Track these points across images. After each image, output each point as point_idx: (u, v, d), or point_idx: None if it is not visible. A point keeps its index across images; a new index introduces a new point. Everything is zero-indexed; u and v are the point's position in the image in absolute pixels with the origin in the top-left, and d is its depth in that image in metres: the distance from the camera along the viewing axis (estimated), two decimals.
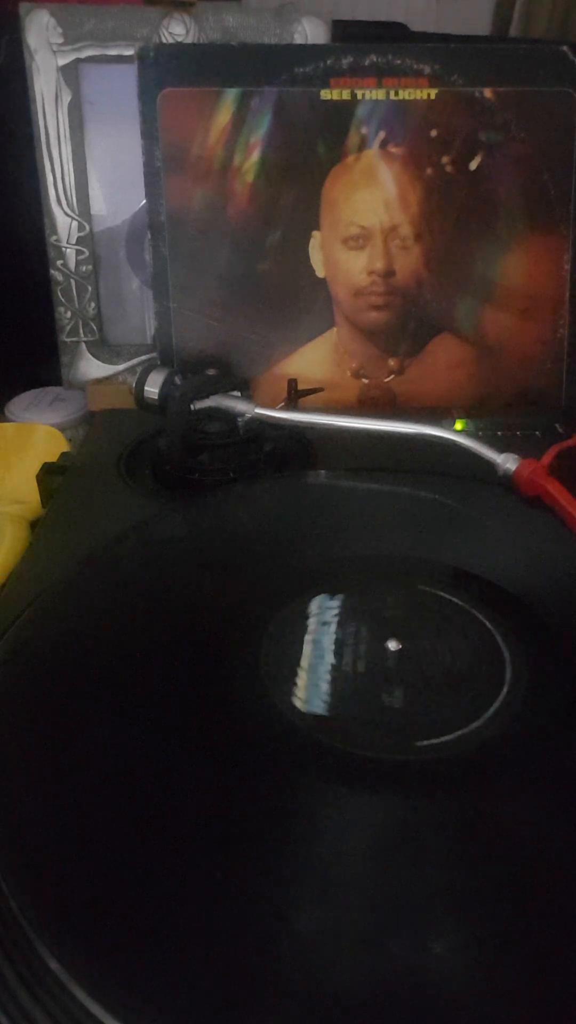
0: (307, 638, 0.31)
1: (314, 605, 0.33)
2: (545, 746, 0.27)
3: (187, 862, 0.23)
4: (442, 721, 0.28)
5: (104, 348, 0.59)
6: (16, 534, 0.43)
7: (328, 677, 0.29)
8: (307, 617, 0.32)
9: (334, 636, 0.31)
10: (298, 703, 0.28)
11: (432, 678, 0.29)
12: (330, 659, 0.30)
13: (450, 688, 0.29)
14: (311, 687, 0.29)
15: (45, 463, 0.46)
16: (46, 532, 0.41)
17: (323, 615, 0.33)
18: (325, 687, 0.29)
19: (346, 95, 0.52)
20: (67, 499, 0.44)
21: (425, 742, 0.27)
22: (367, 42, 0.52)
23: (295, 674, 0.30)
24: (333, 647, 0.31)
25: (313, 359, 0.56)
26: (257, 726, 0.27)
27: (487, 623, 0.32)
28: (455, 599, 0.33)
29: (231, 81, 0.52)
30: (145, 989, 0.20)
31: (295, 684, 0.29)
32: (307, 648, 0.31)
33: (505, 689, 0.29)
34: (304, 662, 0.30)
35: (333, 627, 0.32)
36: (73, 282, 0.57)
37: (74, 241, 0.57)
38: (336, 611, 0.33)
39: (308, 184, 0.54)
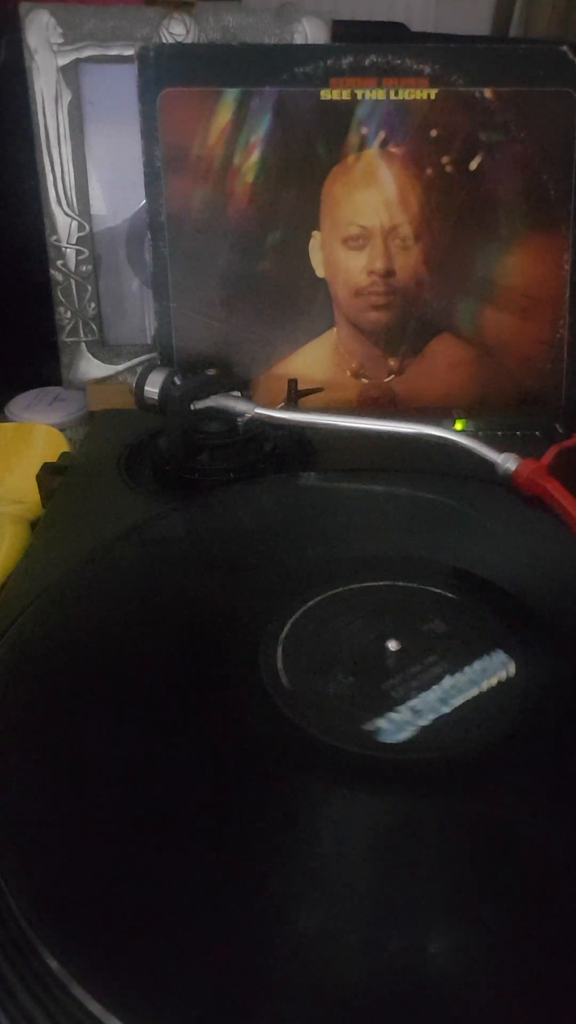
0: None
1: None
2: (545, 746, 0.27)
3: (187, 862, 0.23)
4: (442, 721, 0.28)
5: (104, 348, 0.59)
6: (16, 534, 0.43)
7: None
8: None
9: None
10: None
11: (432, 678, 0.29)
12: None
13: (450, 688, 0.29)
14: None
15: (45, 463, 0.46)
16: (46, 532, 0.41)
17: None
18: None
19: (346, 95, 0.52)
20: (67, 499, 0.44)
21: (425, 742, 0.27)
22: (367, 42, 0.52)
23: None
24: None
25: (313, 359, 0.56)
26: (257, 726, 0.27)
27: (487, 623, 0.32)
28: (455, 599, 0.33)
29: (231, 81, 0.52)
30: (145, 989, 0.20)
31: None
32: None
33: (504, 689, 0.29)
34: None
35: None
36: (73, 282, 0.57)
37: (74, 241, 0.57)
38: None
39: (308, 184, 0.54)
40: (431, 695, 0.29)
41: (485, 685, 0.29)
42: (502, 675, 0.30)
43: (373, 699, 0.29)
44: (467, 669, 0.30)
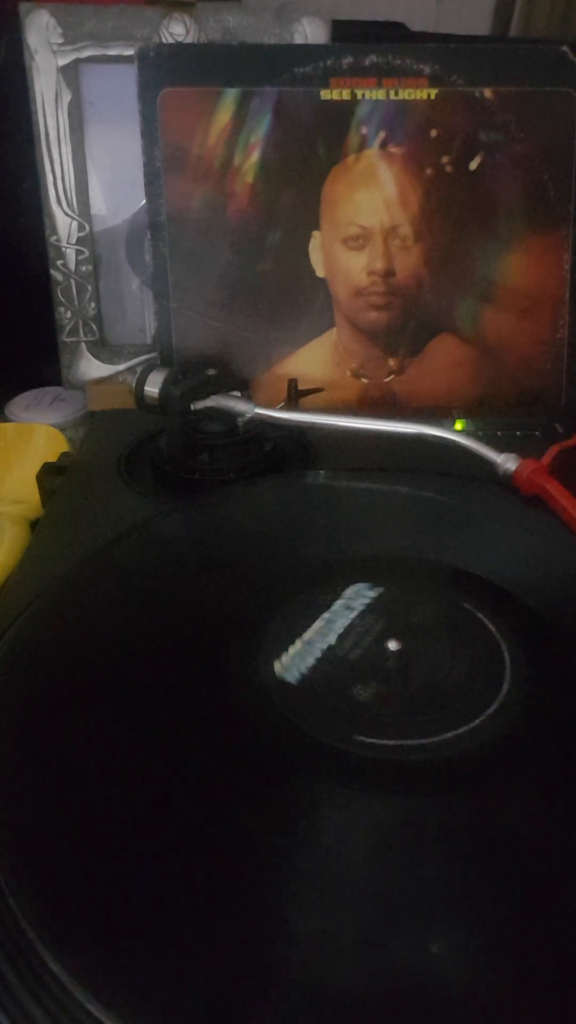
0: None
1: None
2: (545, 746, 0.27)
3: (187, 862, 0.23)
4: (442, 721, 0.28)
5: (104, 348, 0.59)
6: (16, 534, 0.43)
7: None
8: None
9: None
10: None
11: (432, 678, 0.29)
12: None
13: (450, 688, 0.29)
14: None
15: (45, 463, 0.46)
16: (46, 532, 0.41)
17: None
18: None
19: (346, 95, 0.52)
20: (67, 499, 0.44)
21: (425, 742, 0.27)
22: (367, 42, 0.52)
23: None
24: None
25: (313, 359, 0.56)
26: (257, 726, 0.27)
27: (487, 623, 0.32)
28: (455, 599, 0.33)
29: (231, 81, 0.52)
30: (145, 989, 0.20)
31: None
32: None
33: (505, 689, 0.29)
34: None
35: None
36: (73, 282, 0.57)
37: (74, 241, 0.57)
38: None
39: (308, 184, 0.54)
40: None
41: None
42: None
43: (373, 699, 0.29)
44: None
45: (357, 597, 0.34)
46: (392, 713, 0.28)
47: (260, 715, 0.28)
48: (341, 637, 0.31)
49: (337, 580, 0.34)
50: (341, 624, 0.32)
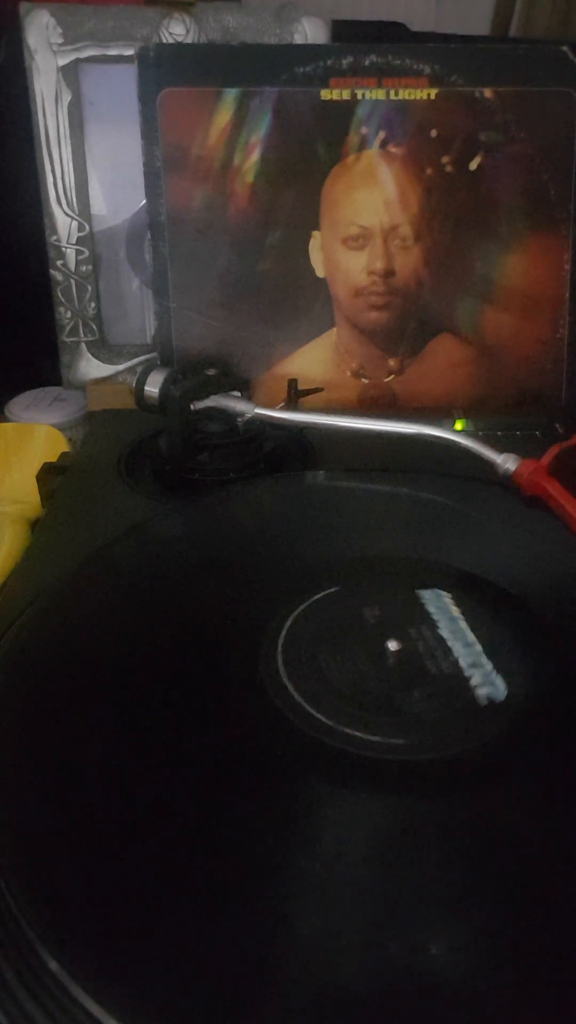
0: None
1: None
2: (545, 746, 0.27)
3: (187, 862, 0.23)
4: (442, 721, 0.28)
5: (104, 348, 0.59)
6: (16, 534, 0.43)
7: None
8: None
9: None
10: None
11: (432, 678, 0.29)
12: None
13: (450, 688, 0.29)
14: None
15: (45, 463, 0.46)
16: (46, 532, 0.41)
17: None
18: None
19: (346, 95, 0.52)
20: (67, 499, 0.44)
21: (425, 742, 0.27)
22: (367, 42, 0.52)
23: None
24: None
25: (313, 359, 0.56)
26: (257, 726, 0.27)
27: (487, 623, 0.32)
28: (455, 599, 0.33)
29: (231, 81, 0.52)
30: (145, 989, 0.20)
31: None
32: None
33: (505, 689, 0.29)
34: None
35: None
36: (73, 282, 0.57)
37: (74, 241, 0.57)
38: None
39: (308, 184, 0.54)
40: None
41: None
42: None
43: (373, 699, 0.29)
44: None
45: (357, 597, 0.34)
46: (392, 713, 0.28)
47: (260, 715, 0.28)
48: (342, 637, 0.31)
49: (337, 580, 0.34)
50: (339, 624, 0.32)
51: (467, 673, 0.29)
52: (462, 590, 0.34)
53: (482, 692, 0.29)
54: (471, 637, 0.31)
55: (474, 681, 0.29)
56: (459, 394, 0.56)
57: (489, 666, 0.30)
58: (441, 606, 0.33)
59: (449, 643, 0.31)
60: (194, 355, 0.55)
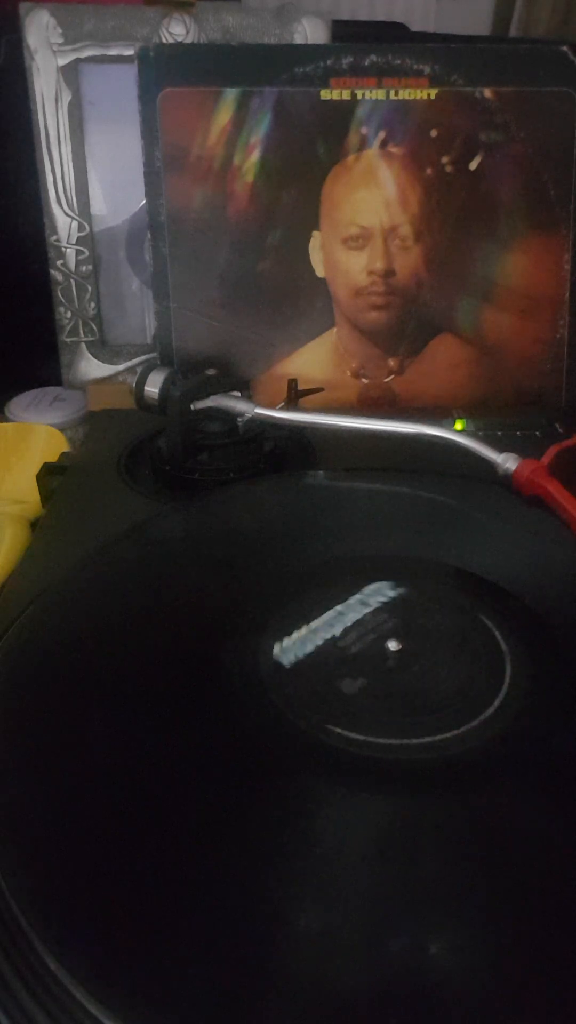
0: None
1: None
2: (545, 746, 0.27)
3: (187, 862, 0.23)
4: (442, 720, 0.28)
5: (104, 348, 0.59)
6: (16, 534, 0.43)
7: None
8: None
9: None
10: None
11: (432, 678, 0.29)
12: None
13: (450, 688, 0.29)
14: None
15: (45, 463, 0.46)
16: (46, 532, 0.41)
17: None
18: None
19: (346, 95, 0.52)
20: (67, 499, 0.44)
21: (425, 742, 0.27)
22: (367, 42, 0.52)
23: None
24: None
25: (313, 359, 0.56)
26: (257, 726, 0.27)
27: (487, 623, 0.32)
28: (455, 599, 0.33)
29: (231, 81, 0.52)
30: (145, 989, 0.20)
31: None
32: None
33: (505, 689, 0.29)
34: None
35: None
36: (73, 282, 0.57)
37: (74, 241, 0.57)
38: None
39: (308, 184, 0.54)
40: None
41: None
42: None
43: (373, 699, 0.29)
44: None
45: (356, 598, 0.34)
46: (392, 713, 0.28)
47: (260, 715, 0.28)
48: (342, 637, 0.31)
49: (337, 580, 0.34)
50: (342, 623, 0.32)
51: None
52: (461, 590, 0.34)
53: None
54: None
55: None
56: (459, 394, 0.56)
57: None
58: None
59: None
60: (194, 355, 0.55)
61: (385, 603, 0.33)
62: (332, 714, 0.28)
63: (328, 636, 0.31)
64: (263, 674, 0.29)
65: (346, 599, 0.33)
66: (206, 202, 0.53)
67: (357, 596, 0.33)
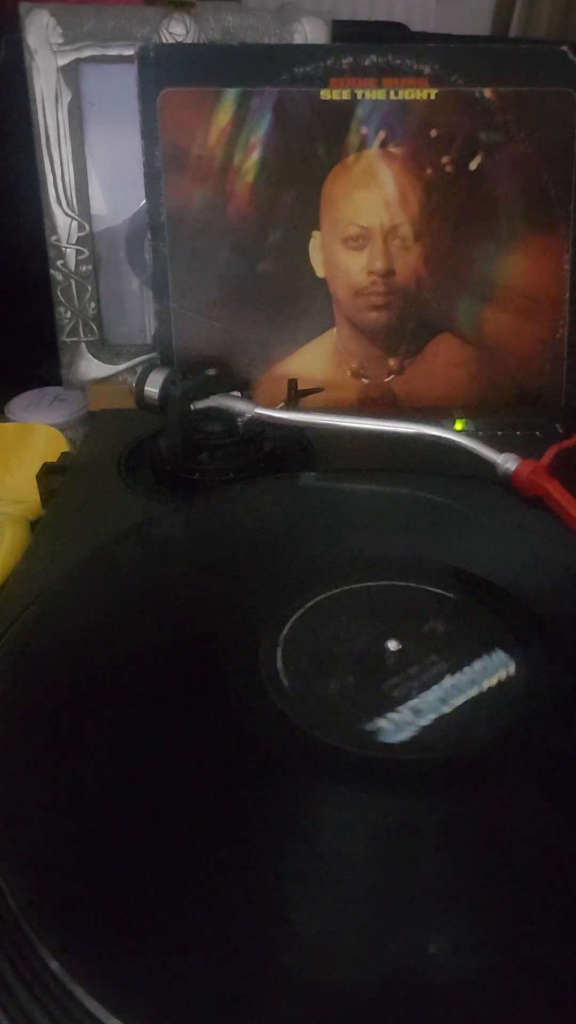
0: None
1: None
2: (545, 746, 0.27)
3: (187, 862, 0.23)
4: (442, 721, 0.28)
5: (104, 348, 0.59)
6: (16, 534, 0.43)
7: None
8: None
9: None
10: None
11: (432, 678, 0.29)
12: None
13: (450, 688, 0.29)
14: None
15: (45, 463, 0.46)
16: (46, 532, 0.41)
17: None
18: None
19: (346, 95, 0.52)
20: (67, 499, 0.44)
21: (425, 742, 0.27)
22: (367, 42, 0.52)
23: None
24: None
25: (313, 359, 0.56)
26: (257, 726, 0.27)
27: (487, 623, 0.32)
28: (455, 599, 0.33)
29: (231, 81, 0.52)
30: (145, 989, 0.20)
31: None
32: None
33: (505, 689, 0.29)
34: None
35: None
36: (73, 282, 0.57)
37: (74, 241, 0.57)
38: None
39: (308, 184, 0.54)
40: (431, 695, 0.29)
41: (486, 685, 0.29)
42: (502, 674, 0.30)
43: (373, 699, 0.29)
44: (467, 669, 0.30)
45: (357, 597, 0.34)
46: (392, 712, 0.28)
47: (260, 715, 0.28)
48: (342, 636, 0.31)
49: (337, 580, 0.34)
50: (339, 624, 0.32)
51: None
52: (461, 590, 0.34)
53: (382, 724, 0.28)
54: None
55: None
56: (459, 394, 0.56)
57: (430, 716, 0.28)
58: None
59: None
60: (194, 355, 0.55)
61: (384, 605, 0.33)
62: (332, 714, 0.28)
63: (325, 644, 0.31)
64: (263, 674, 0.29)
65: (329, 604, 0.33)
66: (206, 202, 0.53)
67: (339, 601, 0.33)
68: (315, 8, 0.56)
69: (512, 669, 0.30)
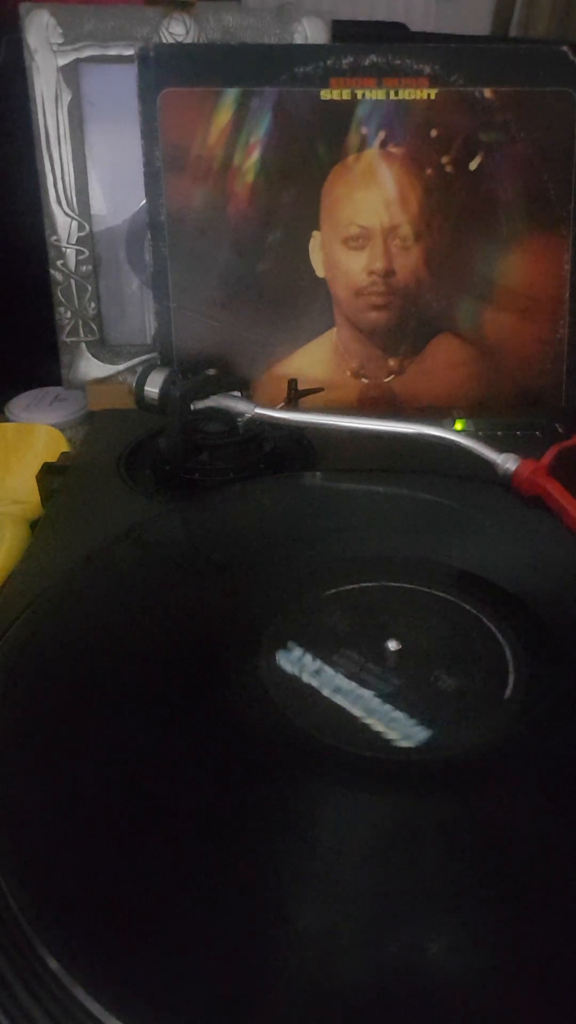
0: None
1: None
2: (545, 746, 0.27)
3: (187, 862, 0.23)
4: (442, 721, 0.28)
5: (104, 348, 0.59)
6: (16, 534, 0.43)
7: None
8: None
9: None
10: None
11: (432, 678, 0.29)
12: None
13: (450, 688, 0.29)
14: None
15: (45, 463, 0.46)
16: (46, 532, 0.41)
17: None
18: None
19: (346, 95, 0.52)
20: (67, 499, 0.44)
21: (425, 742, 0.27)
22: (367, 42, 0.52)
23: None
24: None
25: (313, 359, 0.56)
26: (257, 726, 0.27)
27: (487, 623, 0.32)
28: (455, 599, 0.33)
29: (231, 81, 0.52)
30: (145, 989, 0.20)
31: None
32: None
33: (505, 689, 0.29)
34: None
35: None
36: (73, 282, 0.57)
37: (74, 241, 0.57)
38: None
39: (308, 184, 0.54)
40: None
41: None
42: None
43: (373, 699, 0.29)
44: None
45: (357, 597, 0.34)
46: (391, 712, 0.28)
47: (260, 715, 0.28)
48: (340, 637, 0.31)
49: (336, 580, 0.34)
50: (339, 624, 0.32)
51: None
52: (462, 590, 0.34)
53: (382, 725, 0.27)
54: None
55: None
56: (459, 394, 0.56)
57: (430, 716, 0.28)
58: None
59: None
60: (194, 355, 0.55)
61: (385, 605, 0.33)
62: (332, 714, 0.28)
63: (325, 644, 0.31)
64: (263, 673, 0.29)
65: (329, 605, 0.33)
66: (206, 202, 0.53)
67: (339, 601, 0.33)
68: (315, 8, 0.56)
69: (512, 669, 0.30)
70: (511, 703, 0.28)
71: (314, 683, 0.29)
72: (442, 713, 0.28)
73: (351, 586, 0.34)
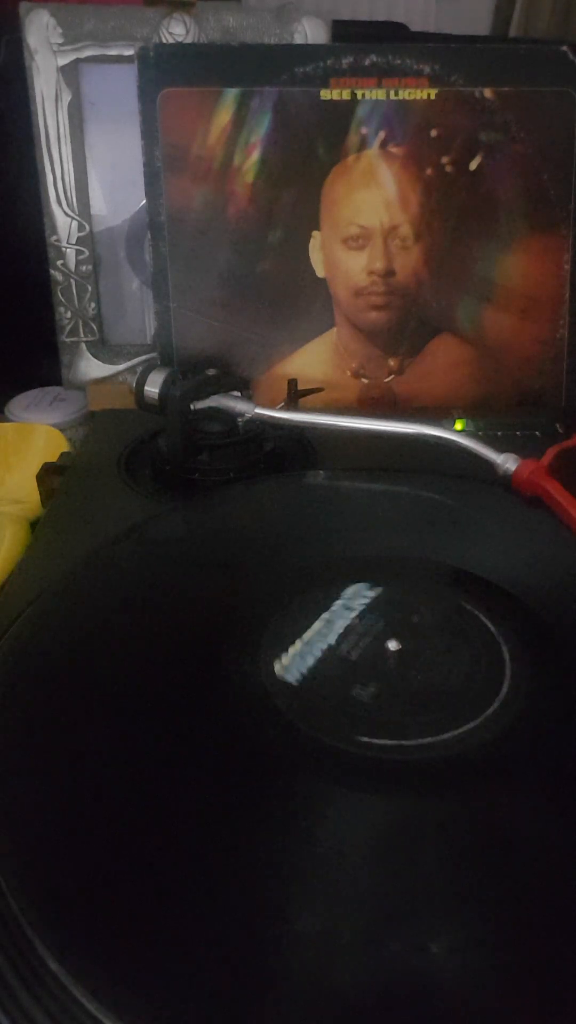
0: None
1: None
2: (545, 746, 0.27)
3: (187, 862, 0.23)
4: (442, 721, 0.28)
5: (104, 348, 0.59)
6: (16, 534, 0.43)
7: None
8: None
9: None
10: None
11: (432, 678, 0.29)
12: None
13: (450, 688, 0.29)
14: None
15: (45, 463, 0.46)
16: (46, 532, 0.41)
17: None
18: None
19: (346, 95, 0.52)
20: (67, 499, 0.44)
21: (425, 742, 0.27)
22: (367, 42, 0.52)
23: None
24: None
25: (313, 359, 0.56)
26: (257, 726, 0.27)
27: (487, 623, 0.32)
28: (455, 599, 0.33)
29: (231, 81, 0.52)
30: (145, 989, 0.20)
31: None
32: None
33: (505, 689, 0.29)
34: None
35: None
36: (73, 282, 0.57)
37: (74, 241, 0.57)
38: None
39: (308, 184, 0.54)
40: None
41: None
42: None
43: (374, 700, 0.29)
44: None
45: (357, 598, 0.34)
46: (392, 713, 0.28)
47: (260, 715, 0.28)
48: (341, 637, 0.31)
49: (337, 580, 0.34)
50: (341, 624, 0.32)
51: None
52: (461, 590, 0.34)
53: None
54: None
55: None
56: (459, 394, 0.56)
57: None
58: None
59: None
60: (194, 355, 0.55)
61: (385, 605, 0.33)
62: (332, 714, 0.28)
63: (325, 645, 0.31)
64: (262, 673, 0.29)
65: (330, 605, 0.33)
66: (206, 202, 0.53)
67: (340, 601, 0.33)
68: (315, 8, 0.56)
69: (512, 669, 0.30)
70: (511, 703, 0.28)
71: (314, 682, 0.29)
72: (442, 713, 0.28)
73: (351, 586, 0.34)
